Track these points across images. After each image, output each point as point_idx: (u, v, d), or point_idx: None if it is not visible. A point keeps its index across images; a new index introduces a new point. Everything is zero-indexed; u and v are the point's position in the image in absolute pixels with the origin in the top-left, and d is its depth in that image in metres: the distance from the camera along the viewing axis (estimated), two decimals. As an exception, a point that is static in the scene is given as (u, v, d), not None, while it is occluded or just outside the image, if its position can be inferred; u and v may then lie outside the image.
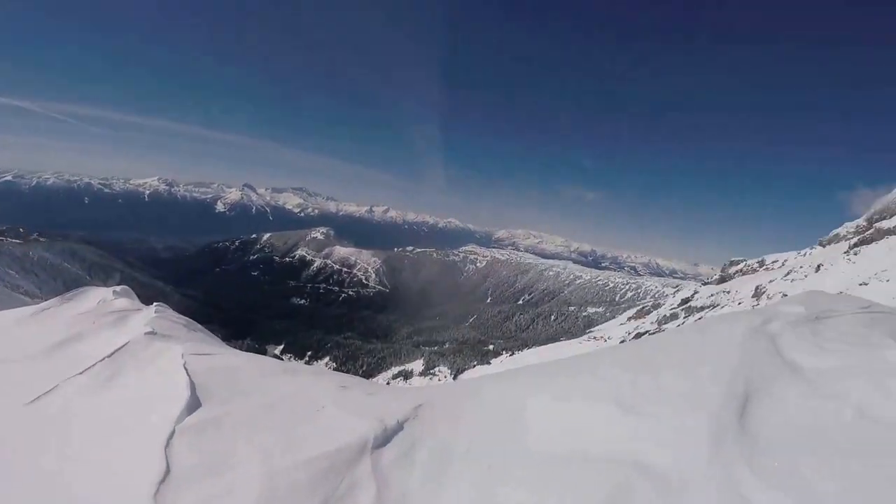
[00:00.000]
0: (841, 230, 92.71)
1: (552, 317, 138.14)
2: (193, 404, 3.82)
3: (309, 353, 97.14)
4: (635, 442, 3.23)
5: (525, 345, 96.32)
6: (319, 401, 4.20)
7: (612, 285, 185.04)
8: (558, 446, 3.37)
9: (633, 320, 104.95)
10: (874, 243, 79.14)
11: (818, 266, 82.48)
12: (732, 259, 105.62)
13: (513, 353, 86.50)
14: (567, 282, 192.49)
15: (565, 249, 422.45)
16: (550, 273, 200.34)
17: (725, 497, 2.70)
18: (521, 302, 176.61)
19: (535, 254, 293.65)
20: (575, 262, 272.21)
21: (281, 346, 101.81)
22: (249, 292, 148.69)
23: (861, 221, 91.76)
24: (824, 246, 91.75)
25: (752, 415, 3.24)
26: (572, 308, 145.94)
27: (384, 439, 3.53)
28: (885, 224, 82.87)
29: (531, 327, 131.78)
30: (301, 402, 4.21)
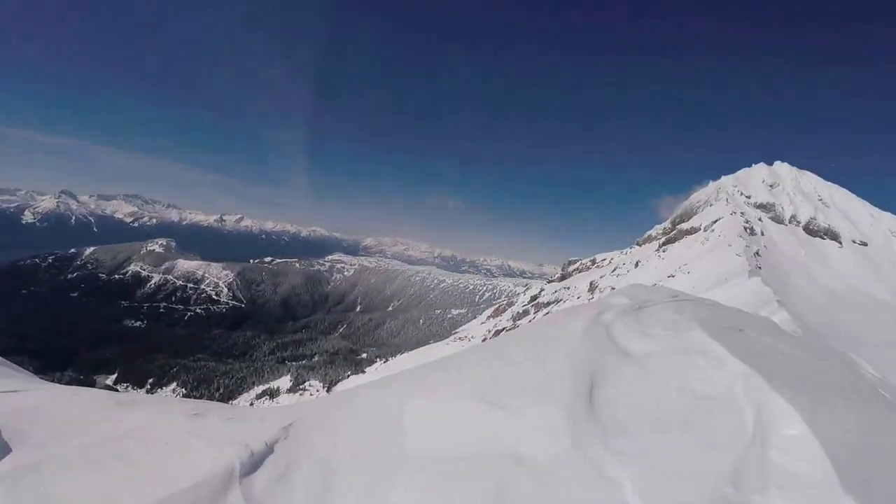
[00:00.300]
0: (652, 231, 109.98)
1: (421, 321, 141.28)
2: (1, 450, 3.17)
3: (150, 380, 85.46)
4: (506, 436, 3.40)
5: (398, 350, 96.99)
6: (168, 432, 3.76)
7: (472, 287, 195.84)
8: (438, 448, 3.44)
9: (491, 319, 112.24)
10: (677, 242, 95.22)
11: (637, 262, 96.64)
12: (570, 259, 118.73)
13: (387, 360, 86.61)
14: (432, 286, 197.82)
15: (430, 255, 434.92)
16: (417, 279, 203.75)
17: (590, 479, 2.97)
18: (391, 308, 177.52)
19: (403, 260, 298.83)
20: (438, 266, 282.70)
21: (114, 376, 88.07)
22: (68, 316, 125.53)
23: (667, 224, 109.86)
24: (640, 245, 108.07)
25: (599, 399, 3.63)
26: (438, 311, 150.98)
27: (252, 465, 3.28)
28: (685, 226, 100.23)
29: (402, 333, 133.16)
30: (145, 436, 3.72)
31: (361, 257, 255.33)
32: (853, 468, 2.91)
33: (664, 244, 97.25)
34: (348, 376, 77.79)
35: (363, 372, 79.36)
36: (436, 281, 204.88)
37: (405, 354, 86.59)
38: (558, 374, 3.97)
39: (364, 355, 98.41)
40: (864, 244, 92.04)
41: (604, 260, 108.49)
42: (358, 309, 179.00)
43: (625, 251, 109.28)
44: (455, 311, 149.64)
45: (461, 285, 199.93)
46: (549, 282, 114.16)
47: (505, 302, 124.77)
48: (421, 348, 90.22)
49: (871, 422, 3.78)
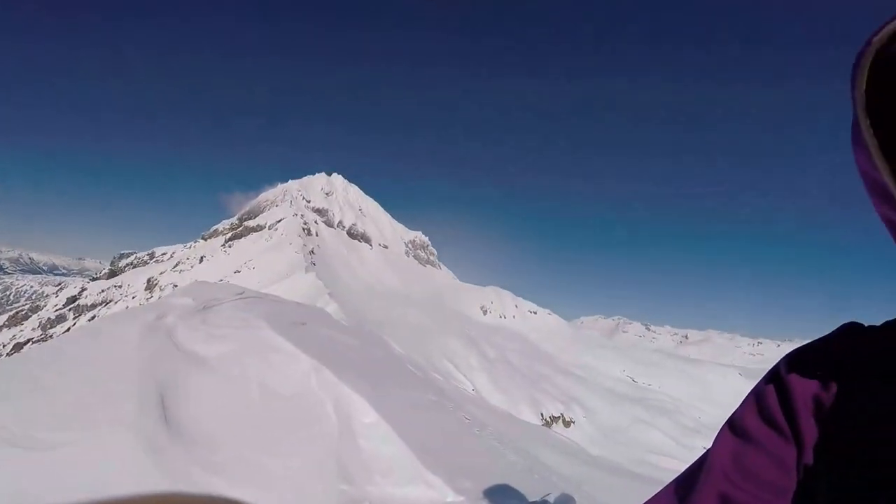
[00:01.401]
0: (219, 226, 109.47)
1: None
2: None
3: None
4: (62, 484, 2.67)
5: None
6: None
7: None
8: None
9: (7, 329, 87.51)
10: (244, 238, 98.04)
11: (202, 257, 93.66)
12: (123, 252, 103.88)
13: None
14: None
15: None
16: None
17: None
18: None
19: None
20: None
21: None
22: None
23: (234, 220, 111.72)
24: (206, 240, 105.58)
25: (176, 413, 3.30)
26: None
27: None
28: (252, 223, 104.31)
29: None
30: None
31: None
32: (422, 445, 3.51)
33: (231, 239, 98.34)
34: None
35: None
36: None
37: None
38: (118, 392, 3.43)
39: None
40: (386, 247, 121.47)
41: (164, 254, 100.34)
42: None
43: (189, 245, 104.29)
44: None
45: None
46: (94, 279, 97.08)
47: (27, 306, 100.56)
48: None
49: (415, 400, 4.95)
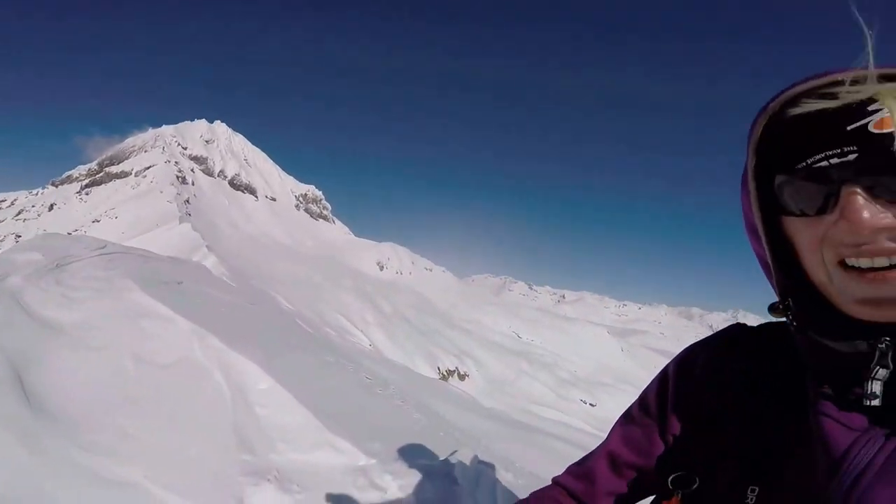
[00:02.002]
0: (74, 172, 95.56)
1: None
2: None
3: None
4: None
5: None
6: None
7: None
8: None
9: None
10: (104, 185, 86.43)
11: (51, 205, 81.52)
12: None
13: None
14: None
15: None
16: None
17: (75, 484, 2.31)
18: None
19: None
20: None
21: None
22: None
23: (93, 165, 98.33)
24: (57, 186, 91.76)
25: (36, 390, 2.81)
26: None
27: None
28: (114, 169, 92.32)
29: None
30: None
31: None
32: (325, 408, 3.38)
33: (88, 186, 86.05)
34: None
35: None
36: None
37: None
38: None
39: None
40: (274, 199, 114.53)
41: (3, 201, 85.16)
42: None
43: (34, 192, 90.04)
44: None
45: None
46: None
47: None
48: None
49: (312, 361, 4.70)
